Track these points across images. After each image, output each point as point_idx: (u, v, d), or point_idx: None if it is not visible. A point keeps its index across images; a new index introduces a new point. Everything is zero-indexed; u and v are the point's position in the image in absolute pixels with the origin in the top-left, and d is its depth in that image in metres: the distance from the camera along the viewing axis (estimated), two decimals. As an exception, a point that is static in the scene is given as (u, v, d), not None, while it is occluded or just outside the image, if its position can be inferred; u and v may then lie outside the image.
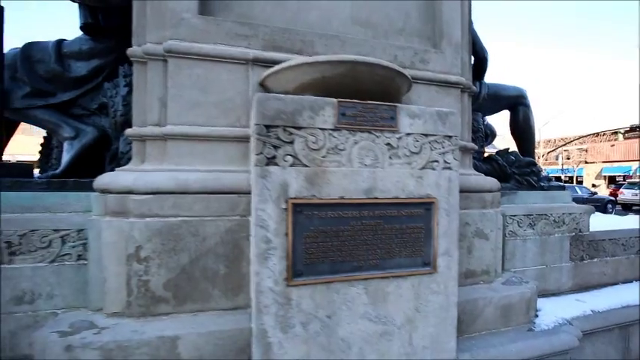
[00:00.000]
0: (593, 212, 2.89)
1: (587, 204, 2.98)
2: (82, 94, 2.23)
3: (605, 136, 31.05)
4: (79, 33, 2.29)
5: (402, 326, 1.51)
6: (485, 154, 3.22)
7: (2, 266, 1.52)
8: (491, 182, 2.21)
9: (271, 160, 1.32)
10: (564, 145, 29.73)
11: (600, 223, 3.28)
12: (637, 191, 17.56)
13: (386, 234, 1.47)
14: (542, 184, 2.90)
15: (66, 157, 2.12)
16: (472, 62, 2.48)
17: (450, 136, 1.55)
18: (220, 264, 1.57)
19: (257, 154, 1.30)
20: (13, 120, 2.29)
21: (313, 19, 1.86)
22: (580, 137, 30.20)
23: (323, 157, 1.37)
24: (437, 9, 2.09)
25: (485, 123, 3.21)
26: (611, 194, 18.94)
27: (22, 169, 2.03)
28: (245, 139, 1.67)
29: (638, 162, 25.85)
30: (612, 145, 30.53)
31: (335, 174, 1.39)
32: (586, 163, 32.06)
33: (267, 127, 1.31)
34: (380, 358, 1.47)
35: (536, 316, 2.13)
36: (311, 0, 1.85)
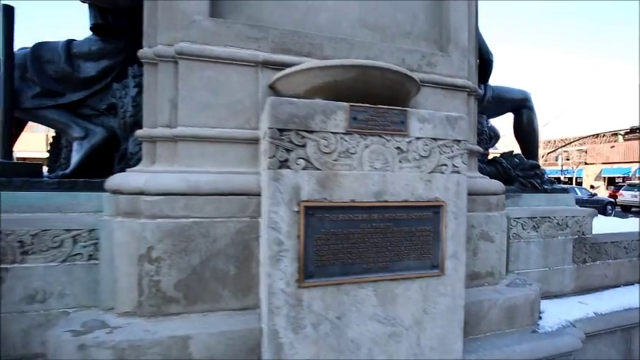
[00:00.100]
0: (596, 215, 2.91)
1: (586, 205, 3.00)
2: (91, 94, 2.25)
3: (604, 138, 31.08)
4: (89, 33, 2.30)
5: (410, 327, 1.52)
6: (489, 157, 3.24)
7: (14, 265, 1.53)
8: (496, 185, 2.23)
9: (284, 164, 1.33)
10: (564, 146, 29.78)
11: (601, 225, 3.29)
12: (636, 193, 17.60)
13: (395, 237, 1.48)
14: (546, 186, 2.91)
15: (75, 157, 2.14)
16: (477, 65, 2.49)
17: (459, 141, 1.57)
18: (230, 265, 1.58)
19: (270, 157, 1.32)
20: (21, 119, 2.31)
21: (322, 21, 1.87)
22: (580, 138, 30.27)
23: (334, 160, 1.39)
24: (444, 12, 2.10)
25: (489, 125, 3.23)
26: (610, 196, 18.97)
27: (32, 168, 2.03)
28: (254, 141, 1.69)
29: (637, 163, 25.90)
30: (612, 147, 30.48)
31: (346, 177, 1.40)
32: (586, 164, 32.07)
33: (280, 130, 1.32)
34: (388, 359, 1.49)
35: (540, 318, 2.15)
36: (320, 2, 1.86)
